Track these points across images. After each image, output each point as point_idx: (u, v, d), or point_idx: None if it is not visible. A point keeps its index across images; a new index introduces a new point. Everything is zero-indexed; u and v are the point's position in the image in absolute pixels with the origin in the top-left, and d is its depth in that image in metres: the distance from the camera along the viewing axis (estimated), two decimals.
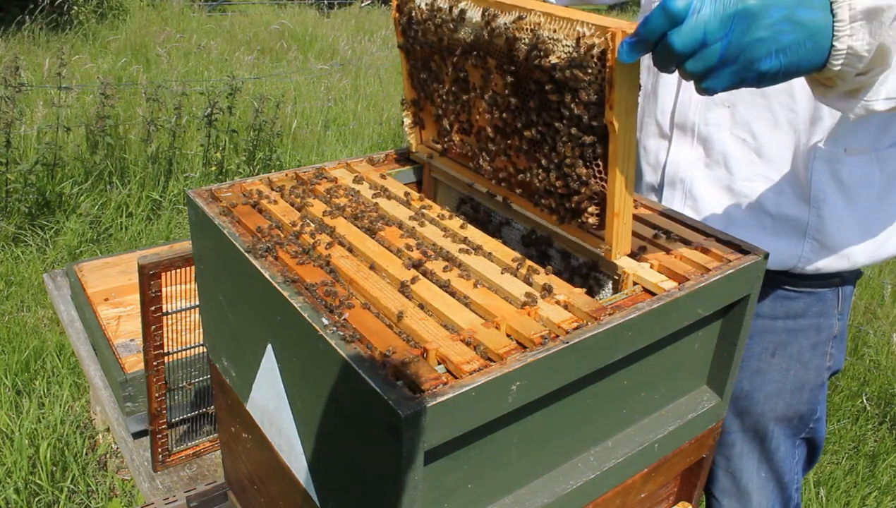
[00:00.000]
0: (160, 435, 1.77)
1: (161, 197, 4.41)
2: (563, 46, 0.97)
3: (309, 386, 0.96)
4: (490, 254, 1.10)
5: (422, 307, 0.97)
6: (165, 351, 1.67)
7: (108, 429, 2.55)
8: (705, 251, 1.11)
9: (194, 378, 1.79)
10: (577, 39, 0.94)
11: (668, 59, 0.82)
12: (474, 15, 1.11)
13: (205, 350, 1.68)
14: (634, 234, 1.17)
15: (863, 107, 0.89)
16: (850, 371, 3.39)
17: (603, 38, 0.91)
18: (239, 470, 1.41)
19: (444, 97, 1.27)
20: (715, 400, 1.19)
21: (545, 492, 0.98)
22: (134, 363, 1.93)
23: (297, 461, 1.06)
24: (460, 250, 1.10)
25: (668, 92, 1.40)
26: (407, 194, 1.28)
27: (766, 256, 1.10)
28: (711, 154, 1.37)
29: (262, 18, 9.60)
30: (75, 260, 3.29)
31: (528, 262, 1.08)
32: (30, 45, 6.94)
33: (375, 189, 1.29)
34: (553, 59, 0.98)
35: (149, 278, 1.53)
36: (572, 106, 0.99)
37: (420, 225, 1.17)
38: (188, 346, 1.72)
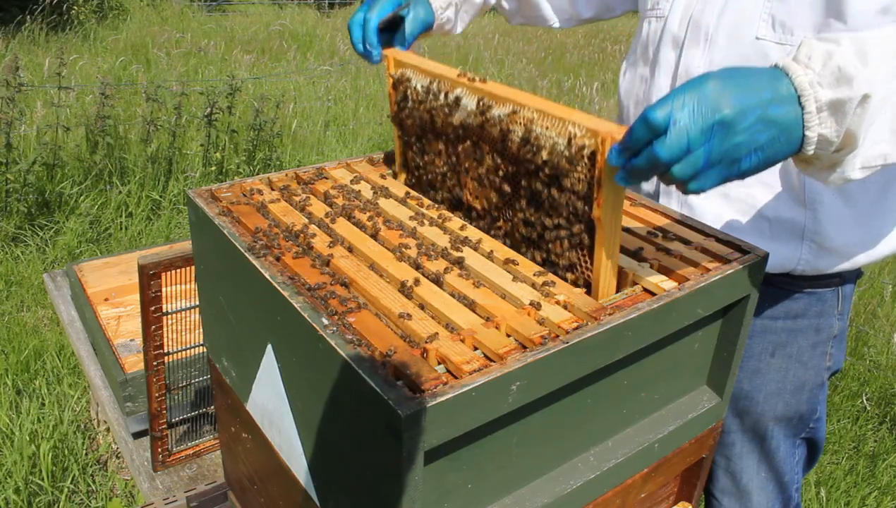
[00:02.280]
0: (160, 435, 1.77)
1: (161, 197, 4.41)
2: (554, 143, 1.00)
3: (309, 386, 0.96)
4: (490, 253, 1.10)
5: (422, 307, 0.97)
6: (165, 351, 1.67)
7: (108, 429, 2.55)
8: (705, 251, 1.11)
9: (194, 378, 1.79)
10: (569, 139, 0.98)
11: (655, 166, 0.86)
12: (469, 103, 1.14)
13: (205, 350, 1.68)
14: (634, 234, 1.17)
15: (839, 177, 0.94)
16: (850, 371, 3.39)
17: (593, 141, 0.94)
18: (239, 470, 1.41)
19: (436, 174, 1.28)
20: (715, 399, 1.19)
21: (545, 492, 0.98)
22: (134, 363, 1.93)
23: (297, 461, 1.06)
24: (460, 250, 1.10)
25: None
26: (407, 194, 1.28)
27: (766, 256, 1.10)
28: None
29: (261, 18, 9.59)
30: (75, 260, 3.29)
31: (529, 262, 1.08)
32: (30, 45, 6.94)
33: (375, 189, 1.29)
34: (545, 155, 1.02)
35: (149, 278, 1.53)
36: (561, 200, 1.03)
37: (420, 225, 1.17)
38: (188, 346, 1.72)
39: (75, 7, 7.98)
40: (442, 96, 1.19)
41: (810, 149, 0.89)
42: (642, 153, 0.86)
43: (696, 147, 0.84)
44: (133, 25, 8.38)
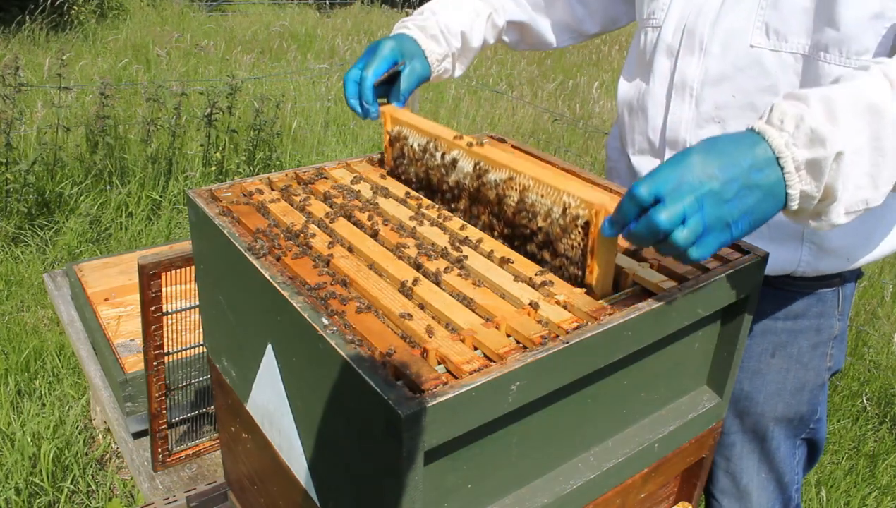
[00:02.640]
0: (160, 435, 1.77)
1: (161, 197, 4.41)
2: (549, 211, 1.03)
3: (309, 386, 0.96)
4: (490, 253, 1.10)
5: (422, 307, 0.97)
6: (165, 351, 1.68)
7: (108, 429, 2.55)
8: None
9: (194, 378, 1.79)
10: (564, 208, 1.01)
11: (654, 233, 0.88)
12: (466, 165, 1.17)
13: (205, 350, 1.69)
14: None
15: (826, 223, 0.98)
16: (851, 371, 3.39)
17: (587, 211, 0.97)
18: (239, 470, 1.41)
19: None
20: (715, 400, 1.19)
21: (545, 492, 0.98)
22: (134, 363, 1.93)
23: (297, 461, 1.06)
24: (460, 250, 1.10)
25: (657, 109, 1.39)
26: (407, 194, 1.28)
27: (766, 256, 1.10)
28: None
29: (261, 18, 9.59)
30: (75, 260, 3.29)
31: (529, 262, 1.08)
32: (30, 45, 6.94)
33: (375, 189, 1.29)
34: (540, 222, 1.05)
35: (149, 278, 1.53)
36: (555, 263, 1.05)
37: (420, 224, 1.17)
38: (188, 346, 1.72)
39: (75, 7, 7.97)
40: (439, 156, 1.22)
41: (794, 205, 0.93)
42: (641, 220, 0.89)
43: (691, 213, 0.88)
44: (133, 25, 8.37)
